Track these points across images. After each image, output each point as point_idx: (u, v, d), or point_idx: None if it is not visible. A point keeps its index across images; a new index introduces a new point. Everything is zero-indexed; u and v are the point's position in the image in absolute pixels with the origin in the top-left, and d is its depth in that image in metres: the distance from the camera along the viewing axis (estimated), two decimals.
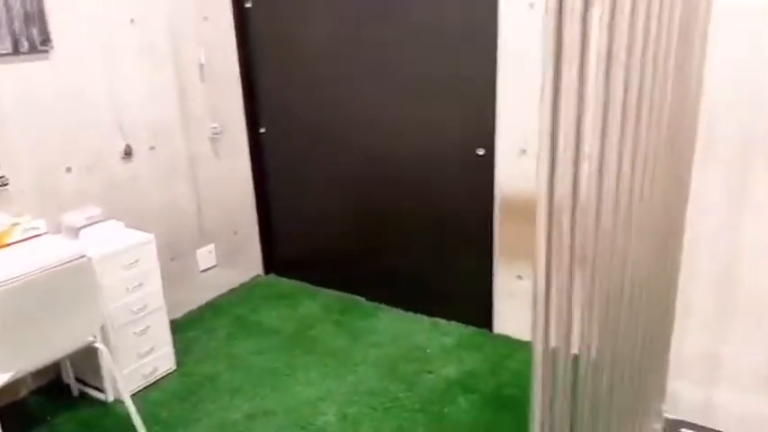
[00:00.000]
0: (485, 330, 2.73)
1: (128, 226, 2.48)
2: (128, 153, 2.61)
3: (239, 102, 3.09)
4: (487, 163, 2.52)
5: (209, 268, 3.09)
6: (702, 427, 5.72)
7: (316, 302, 3.06)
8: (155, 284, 2.40)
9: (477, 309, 2.73)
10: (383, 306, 2.99)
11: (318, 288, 3.21)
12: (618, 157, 1.22)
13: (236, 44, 3.01)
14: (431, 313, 2.88)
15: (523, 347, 2.57)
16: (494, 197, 2.56)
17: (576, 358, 1.27)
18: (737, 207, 2.10)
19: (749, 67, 1.97)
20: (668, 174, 1.67)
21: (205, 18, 2.86)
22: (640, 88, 1.20)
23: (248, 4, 2.96)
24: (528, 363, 2.44)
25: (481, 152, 2.52)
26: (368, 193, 2.93)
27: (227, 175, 3.10)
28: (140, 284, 2.33)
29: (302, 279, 3.30)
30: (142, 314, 2.36)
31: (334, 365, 2.52)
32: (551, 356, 0.99)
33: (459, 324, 2.80)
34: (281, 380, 2.44)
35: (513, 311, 2.67)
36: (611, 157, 1.19)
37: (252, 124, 3.14)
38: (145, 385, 2.41)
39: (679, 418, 2.39)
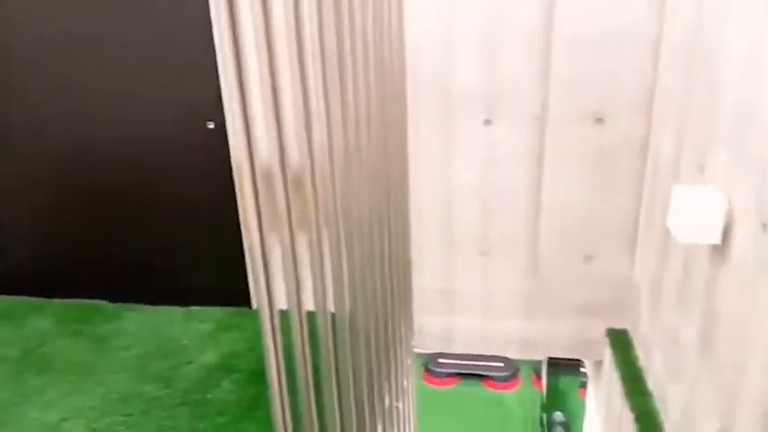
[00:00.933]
0: (244, 309, 2.67)
1: None
2: None
3: None
4: (220, 135, 2.43)
5: None
6: (452, 354, 6.50)
7: (46, 316, 2.67)
8: None
9: (233, 288, 2.66)
10: (129, 306, 2.74)
11: (48, 300, 2.81)
12: (326, 116, 1.24)
13: None
14: (184, 303, 2.73)
15: (284, 316, 2.58)
16: (232, 169, 2.49)
17: (332, 318, 1.29)
18: (447, 155, 2.35)
19: (441, 22, 2.19)
20: (383, 130, 1.79)
21: None
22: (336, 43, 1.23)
23: None
24: (288, 331, 2.46)
25: (212, 125, 2.42)
26: (89, 188, 2.62)
27: None
28: None
29: (25, 293, 2.84)
30: None
31: (77, 380, 2.24)
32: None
33: (216, 308, 2.70)
34: (11, 411, 2.09)
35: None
36: (319, 116, 1.21)
37: None
38: None
39: (431, 352, 2.67)
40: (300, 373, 1.10)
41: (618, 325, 2.47)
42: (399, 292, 2.24)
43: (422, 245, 2.49)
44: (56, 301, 2.79)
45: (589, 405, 3.27)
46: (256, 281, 0.91)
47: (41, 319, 2.65)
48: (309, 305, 1.16)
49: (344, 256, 1.44)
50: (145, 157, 2.53)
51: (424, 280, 2.56)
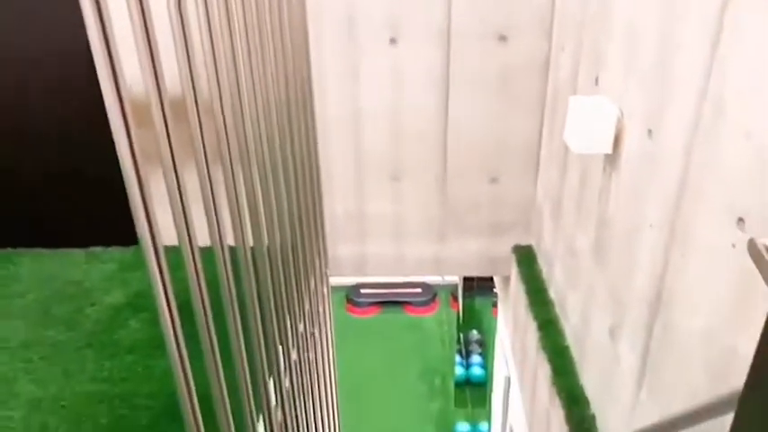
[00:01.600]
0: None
1: None
2: None
3: None
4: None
5: None
6: (373, 284, 6.60)
7: None
8: None
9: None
10: (21, 251, 2.56)
11: None
12: (228, 43, 1.17)
13: None
14: (84, 244, 2.58)
15: (174, 252, 2.50)
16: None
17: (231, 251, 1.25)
18: (354, 77, 2.29)
19: None
20: (283, 57, 1.70)
21: None
22: None
23: None
24: (179, 266, 2.40)
25: None
26: None
27: None
28: None
29: None
30: None
31: None
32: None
33: (121, 247, 2.57)
34: None
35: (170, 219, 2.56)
36: (221, 47, 1.14)
37: None
38: None
39: (352, 283, 2.68)
40: (198, 306, 1.07)
41: (523, 242, 2.57)
42: (310, 220, 2.21)
43: (332, 172, 2.46)
44: None
45: (499, 320, 3.45)
46: (137, 215, 0.85)
47: None
48: (204, 242, 1.12)
49: (256, 186, 1.39)
50: (23, 76, 2.31)
51: (336, 207, 2.55)
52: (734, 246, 0.97)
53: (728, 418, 0.70)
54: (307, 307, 2.15)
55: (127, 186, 0.84)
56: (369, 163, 2.47)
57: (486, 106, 2.31)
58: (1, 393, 1.83)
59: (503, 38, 2.17)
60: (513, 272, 2.59)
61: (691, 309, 1.16)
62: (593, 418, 1.68)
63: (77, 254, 2.54)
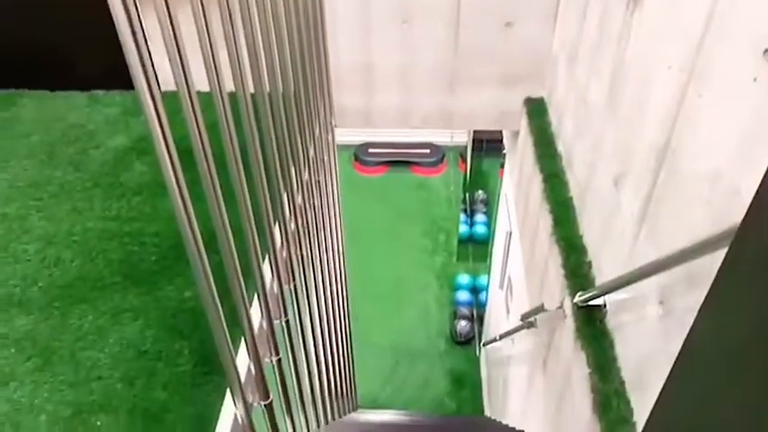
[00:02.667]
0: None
1: None
2: None
3: None
4: None
5: None
6: (381, 143, 6.55)
7: None
8: None
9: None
10: (23, 92, 2.52)
11: None
12: None
13: None
14: (85, 87, 2.53)
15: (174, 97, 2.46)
16: None
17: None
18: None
19: None
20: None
21: None
22: None
23: None
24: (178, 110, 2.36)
25: None
26: None
27: None
28: None
29: None
30: None
31: None
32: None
33: (122, 91, 2.52)
34: None
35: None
36: None
37: None
38: None
39: (360, 142, 2.64)
40: (198, 150, 1.05)
41: (535, 94, 2.49)
42: (314, 67, 2.13)
43: (337, 13, 2.32)
44: None
45: (505, 175, 3.45)
46: (131, 59, 0.80)
47: None
48: (204, 87, 1.07)
49: (255, 29, 1.32)
50: None
51: (342, 55, 2.44)
52: (755, 80, 0.91)
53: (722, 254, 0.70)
54: (312, 154, 2.14)
55: (118, 29, 0.78)
56: (378, 4, 2.32)
57: None
58: (15, 229, 1.89)
59: None
60: (523, 125, 2.53)
61: (699, 151, 1.13)
62: (589, 264, 1.72)
63: (79, 97, 2.50)
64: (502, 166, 5.72)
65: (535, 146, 2.29)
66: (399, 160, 6.87)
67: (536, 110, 2.45)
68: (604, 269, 1.62)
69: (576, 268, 1.73)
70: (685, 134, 1.19)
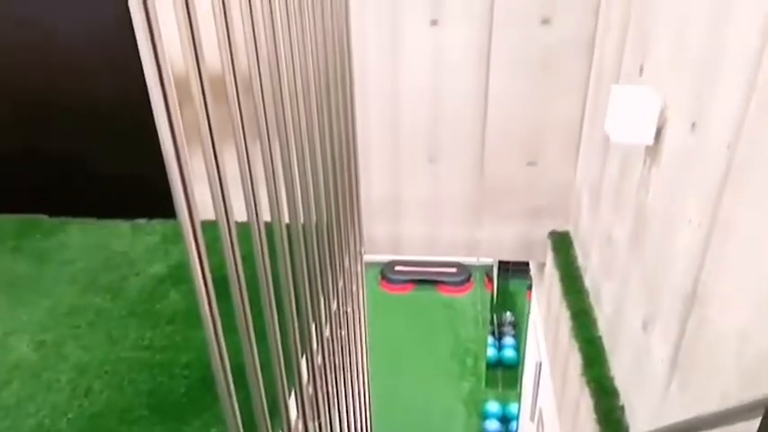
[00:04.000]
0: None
1: None
2: None
3: None
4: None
5: None
6: (407, 261, 6.61)
7: None
8: None
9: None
10: (71, 220, 2.67)
11: None
12: (269, 17, 1.18)
13: None
14: (129, 216, 2.67)
15: (212, 227, 2.57)
16: None
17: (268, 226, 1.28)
18: (394, 57, 2.29)
19: None
20: (323, 32, 1.71)
21: None
22: None
23: None
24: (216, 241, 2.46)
25: None
26: (21, 96, 2.47)
27: None
28: None
29: None
30: None
31: (20, 294, 2.21)
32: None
33: (163, 220, 2.66)
34: None
35: (208, 192, 2.63)
36: (261, 21, 1.15)
37: None
38: None
39: (387, 260, 2.73)
40: (234, 282, 1.10)
41: (560, 227, 2.55)
42: (346, 199, 2.23)
43: (370, 151, 2.47)
44: None
45: (533, 306, 3.43)
46: (175, 191, 0.87)
47: None
48: (241, 216, 1.14)
49: (293, 164, 1.41)
50: (68, 56, 2.38)
51: (373, 186, 2.57)
52: None
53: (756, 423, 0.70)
54: (341, 285, 2.19)
55: (166, 162, 0.85)
56: (406, 143, 2.47)
57: (526, 88, 2.27)
58: (50, 357, 1.93)
59: (546, 20, 2.12)
60: (549, 258, 2.57)
61: (726, 306, 1.14)
62: (622, 408, 1.68)
63: (123, 225, 2.64)
64: (529, 287, 5.70)
65: (562, 280, 2.31)
66: (426, 279, 6.90)
67: (561, 243, 2.49)
68: (638, 416, 1.58)
69: (608, 413, 1.68)
70: (711, 285, 1.20)
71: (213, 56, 0.97)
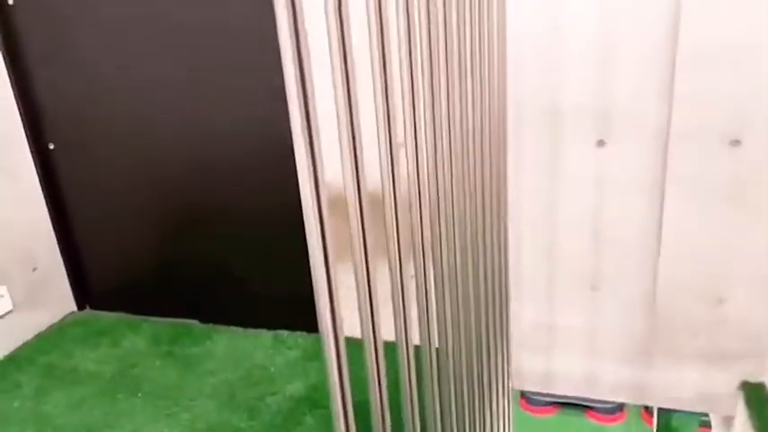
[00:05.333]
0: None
1: None
2: None
3: (13, 115, 2.62)
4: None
5: (2, 315, 2.61)
6: (552, 395, 6.07)
7: (141, 335, 2.71)
8: None
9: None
10: (219, 327, 2.73)
11: (144, 318, 2.86)
12: (432, 138, 1.16)
13: (3, 47, 2.54)
14: (272, 326, 2.68)
15: (354, 346, 2.46)
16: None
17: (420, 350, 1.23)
18: (554, 178, 2.13)
19: (547, 32, 1.99)
20: (481, 152, 1.63)
21: None
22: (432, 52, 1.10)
23: (10, 1, 2.51)
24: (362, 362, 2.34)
25: None
26: (183, 202, 2.64)
27: (11, 204, 2.63)
28: None
29: (125, 310, 2.92)
30: None
31: (166, 405, 2.22)
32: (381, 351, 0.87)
33: (305, 333, 2.62)
34: None
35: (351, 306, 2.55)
36: (424, 141, 1.13)
37: (36, 140, 2.69)
38: None
39: (526, 389, 2.47)
40: (377, 405, 0.98)
41: (754, 378, 2.12)
42: (496, 326, 2.05)
43: (523, 275, 2.28)
44: (152, 319, 2.83)
45: None
46: (320, 305, 0.80)
47: (137, 338, 2.69)
48: (387, 336, 1.04)
49: (444, 285, 1.33)
50: (242, 167, 2.50)
51: (525, 313, 2.35)
52: None
53: None
54: (487, 417, 1.96)
55: (313, 275, 0.79)
56: (563, 269, 2.25)
57: (710, 216, 1.99)
58: None
59: (735, 142, 1.86)
60: (740, 414, 2.13)
61: None
62: None
63: (266, 336, 2.64)
64: (702, 424, 4.89)
65: None
66: (572, 402, 6.25)
67: (756, 397, 2.06)
68: None
69: None
70: None
71: (374, 175, 0.91)
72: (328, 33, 0.71)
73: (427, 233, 1.19)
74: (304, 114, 0.69)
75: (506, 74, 1.91)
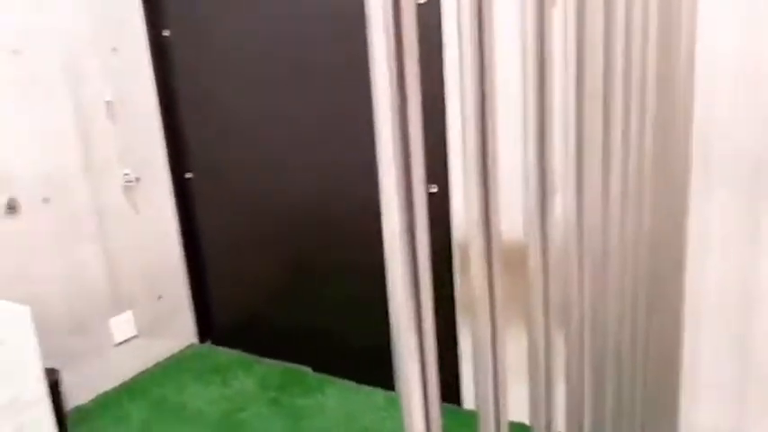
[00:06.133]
0: (451, 405, 2.23)
1: (6, 297, 2.02)
2: (12, 207, 2.17)
3: (159, 144, 2.68)
4: (441, 201, 2.09)
5: (126, 340, 2.61)
6: None
7: (252, 376, 2.57)
8: (31, 369, 1.92)
9: (441, 379, 2.25)
10: (332, 378, 2.51)
11: (260, 358, 2.73)
12: (600, 187, 0.88)
13: (154, 78, 2.61)
14: (387, 386, 2.40)
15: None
16: (451, 242, 2.12)
17: None
18: (748, 244, 1.66)
19: (748, 66, 1.57)
20: (659, 205, 1.25)
21: (114, 49, 2.47)
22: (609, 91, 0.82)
23: (166, 33, 2.58)
24: None
25: (434, 189, 2.10)
26: (314, 247, 2.49)
27: (146, 229, 2.66)
28: (8, 371, 1.86)
29: (242, 348, 2.81)
30: (11, 411, 1.87)
31: None
32: None
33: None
34: None
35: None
36: (589, 188, 0.87)
37: (176, 169, 2.72)
38: None
39: None
40: None
41: None
42: (662, 426, 1.59)
43: (700, 368, 1.79)
44: (265, 360, 2.69)
45: None
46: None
47: (248, 379, 2.55)
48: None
49: (599, 368, 1.02)
50: (371, 220, 2.30)
51: (700, 419, 1.84)
52: None
53: None
54: None
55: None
56: (758, 364, 1.72)
57: None
58: None
59: None
60: None
61: None
62: None
63: (379, 395, 2.36)
64: None
65: None
66: None
67: None
68: None
69: None
70: None
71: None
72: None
73: (587, 293, 0.95)
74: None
75: (692, 106, 1.51)
